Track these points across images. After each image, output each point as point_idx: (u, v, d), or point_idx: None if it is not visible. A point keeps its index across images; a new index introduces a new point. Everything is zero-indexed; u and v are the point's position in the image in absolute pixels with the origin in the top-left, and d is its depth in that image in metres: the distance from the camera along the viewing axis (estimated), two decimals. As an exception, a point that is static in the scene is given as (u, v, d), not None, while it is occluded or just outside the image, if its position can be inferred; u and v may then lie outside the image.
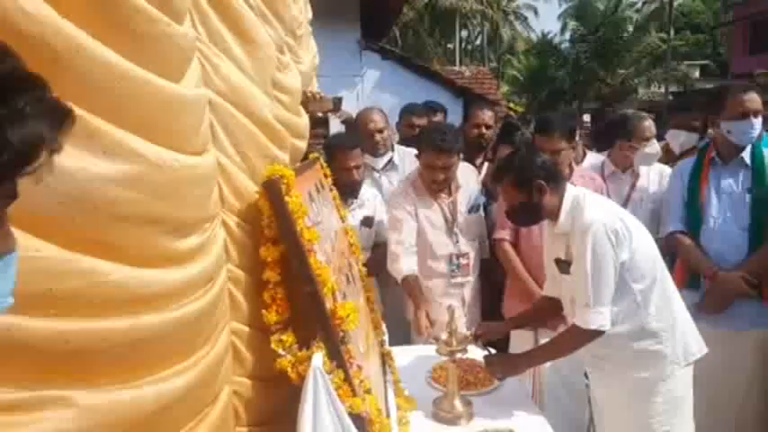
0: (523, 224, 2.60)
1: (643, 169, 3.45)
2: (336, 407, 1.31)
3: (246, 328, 1.49)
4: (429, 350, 2.32)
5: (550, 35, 35.10)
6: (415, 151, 3.11)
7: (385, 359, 2.37)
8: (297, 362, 1.39)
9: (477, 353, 2.43)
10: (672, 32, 25.22)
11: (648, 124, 3.48)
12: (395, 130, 4.44)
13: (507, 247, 2.96)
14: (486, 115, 3.86)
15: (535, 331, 2.81)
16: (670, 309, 2.21)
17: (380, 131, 3.54)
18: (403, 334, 2.99)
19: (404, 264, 2.79)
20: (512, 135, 3.74)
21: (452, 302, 2.59)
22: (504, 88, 31.37)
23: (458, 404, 2.12)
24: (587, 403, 2.66)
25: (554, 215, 2.21)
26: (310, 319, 1.44)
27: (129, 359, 0.96)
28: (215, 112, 1.36)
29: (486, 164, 3.74)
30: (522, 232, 2.92)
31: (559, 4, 33.24)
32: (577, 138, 3.27)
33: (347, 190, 3.00)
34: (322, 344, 1.40)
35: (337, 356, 1.40)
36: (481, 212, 3.21)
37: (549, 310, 2.45)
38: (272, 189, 1.48)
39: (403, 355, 2.54)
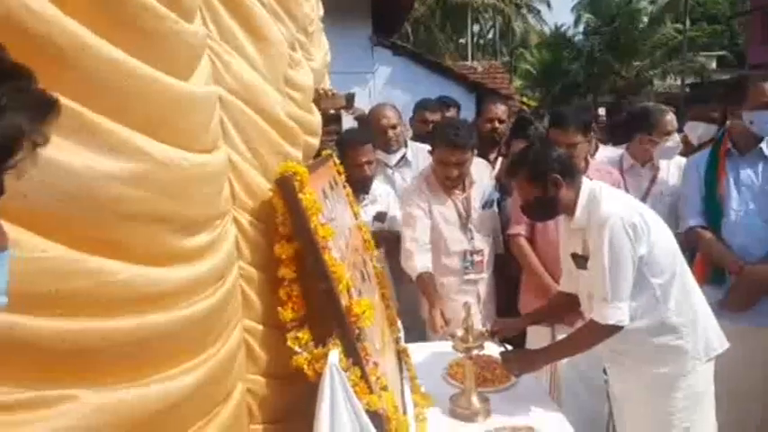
0: (539, 219, 2.57)
1: (663, 162, 3.39)
2: (353, 404, 1.30)
3: (260, 326, 1.49)
4: (445, 347, 2.31)
5: (564, 28, 34.60)
6: (428, 147, 3.09)
7: (401, 356, 2.36)
8: (313, 359, 1.38)
9: (493, 349, 2.41)
10: (688, 23, 24.82)
11: (670, 118, 3.42)
12: (408, 126, 4.42)
13: (523, 242, 2.93)
14: (500, 110, 3.83)
15: (552, 327, 2.77)
16: (690, 303, 2.18)
17: (393, 127, 3.52)
18: (418, 331, 2.98)
19: (418, 261, 2.77)
20: (525, 129, 3.70)
21: (467, 299, 2.57)
22: (518, 82, 31.11)
23: (475, 401, 2.10)
24: (606, 399, 2.63)
25: (570, 210, 2.17)
26: (326, 316, 1.44)
27: (136, 358, 0.95)
28: (226, 109, 1.36)
29: (499, 159, 3.71)
30: (537, 227, 2.89)
31: (572, -4, 32.95)
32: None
33: (359, 186, 2.98)
34: (338, 341, 1.39)
35: (353, 353, 1.39)
36: (495, 208, 3.19)
37: (566, 306, 2.42)
38: (286, 186, 1.48)
39: (419, 352, 2.53)
